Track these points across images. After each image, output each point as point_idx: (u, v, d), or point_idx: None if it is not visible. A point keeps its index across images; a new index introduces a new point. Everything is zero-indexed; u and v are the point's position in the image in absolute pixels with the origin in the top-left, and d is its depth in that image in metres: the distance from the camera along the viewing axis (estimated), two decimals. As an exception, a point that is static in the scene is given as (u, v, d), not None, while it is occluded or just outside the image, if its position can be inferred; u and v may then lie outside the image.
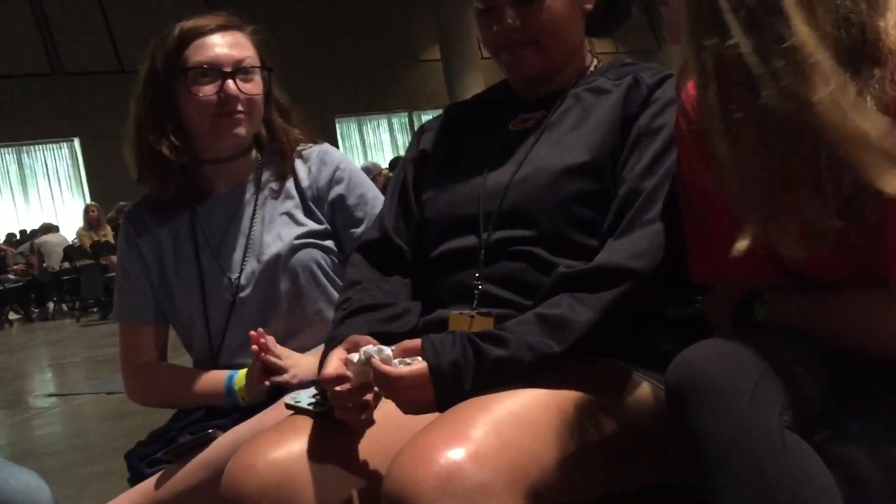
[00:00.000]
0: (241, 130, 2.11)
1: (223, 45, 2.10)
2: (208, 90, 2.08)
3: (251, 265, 2.13)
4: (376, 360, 1.52)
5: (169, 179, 2.13)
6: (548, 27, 1.78)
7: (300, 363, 2.01)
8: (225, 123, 2.09)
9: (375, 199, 2.19)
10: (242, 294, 2.12)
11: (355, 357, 1.55)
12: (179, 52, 2.09)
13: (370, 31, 25.25)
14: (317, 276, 2.13)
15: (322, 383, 1.61)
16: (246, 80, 2.11)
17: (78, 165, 22.70)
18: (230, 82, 2.08)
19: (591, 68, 1.88)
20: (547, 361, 1.53)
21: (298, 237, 2.14)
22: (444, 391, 1.51)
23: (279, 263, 2.11)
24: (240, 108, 2.09)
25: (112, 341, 10.64)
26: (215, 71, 2.08)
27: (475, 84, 17.66)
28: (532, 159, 1.75)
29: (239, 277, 2.13)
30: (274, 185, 2.20)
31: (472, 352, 1.52)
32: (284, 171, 2.21)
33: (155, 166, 2.12)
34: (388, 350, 1.54)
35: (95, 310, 15.45)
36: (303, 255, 2.12)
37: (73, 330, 13.80)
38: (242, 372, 2.07)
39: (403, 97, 26.39)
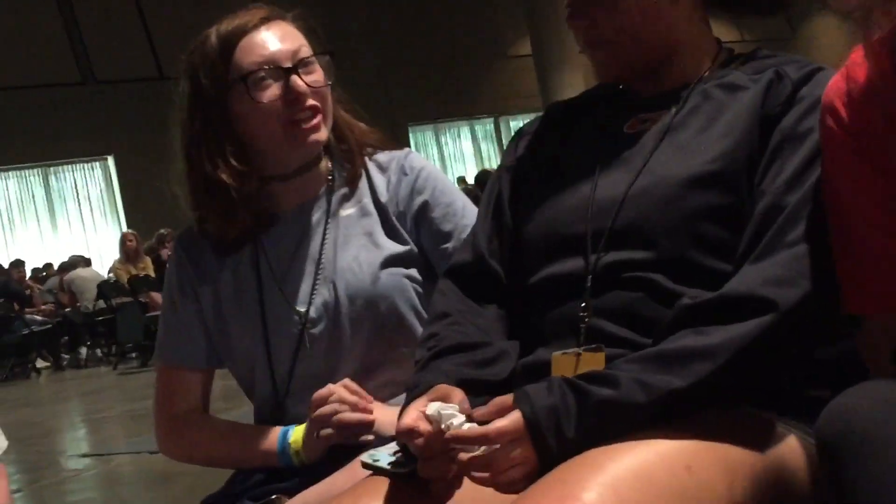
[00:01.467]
0: (320, 136, 2.13)
1: (273, 39, 2.11)
2: (273, 93, 2.09)
3: (322, 295, 2.14)
4: (455, 431, 1.52)
5: (232, 215, 2.13)
6: (621, 24, 1.79)
7: (381, 417, 2.02)
8: (301, 132, 2.10)
9: (465, 208, 2.20)
10: (313, 329, 2.13)
11: (430, 409, 1.56)
12: (226, 59, 2.10)
13: (448, 24, 25.39)
14: (401, 312, 2.14)
15: (398, 436, 1.61)
16: (308, 73, 2.12)
17: (112, 188, 23.14)
18: (294, 78, 2.09)
19: (722, 60, 1.86)
20: (668, 403, 1.51)
21: (381, 263, 2.14)
22: (544, 443, 1.50)
23: (357, 294, 2.12)
24: (310, 103, 2.10)
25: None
26: (274, 70, 2.09)
27: (573, 83, 17.61)
28: (652, 168, 1.74)
29: (308, 310, 2.14)
30: (345, 191, 2.22)
31: (572, 395, 1.52)
32: (354, 174, 2.23)
33: (215, 201, 2.12)
34: (459, 417, 1.54)
35: (134, 355, 15.69)
36: (385, 284, 2.13)
37: (110, 379, 14.05)
38: (300, 428, 2.08)
39: (488, 100, 26.48)
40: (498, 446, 1.50)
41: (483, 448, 1.50)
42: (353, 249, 2.16)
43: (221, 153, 2.11)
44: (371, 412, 2.02)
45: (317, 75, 2.14)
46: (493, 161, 26.47)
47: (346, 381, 2.05)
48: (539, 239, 1.82)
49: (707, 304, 1.57)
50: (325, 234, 2.19)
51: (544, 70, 18.92)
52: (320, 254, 2.17)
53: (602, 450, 1.48)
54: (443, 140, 27.23)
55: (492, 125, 27.60)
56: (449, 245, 2.16)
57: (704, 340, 1.53)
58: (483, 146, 27.59)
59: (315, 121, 2.11)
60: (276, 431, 2.10)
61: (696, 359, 1.52)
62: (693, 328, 1.55)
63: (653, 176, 1.72)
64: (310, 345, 2.13)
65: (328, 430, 2.01)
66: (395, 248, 2.17)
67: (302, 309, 2.14)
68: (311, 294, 2.15)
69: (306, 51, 2.14)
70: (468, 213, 2.18)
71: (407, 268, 2.17)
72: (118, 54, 22.04)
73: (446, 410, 1.55)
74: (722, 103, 1.76)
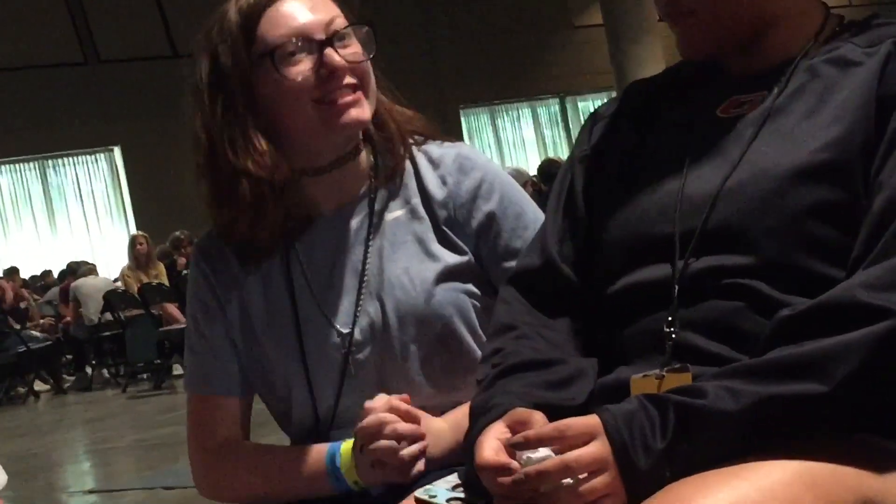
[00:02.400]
0: (360, 113, 2.10)
1: (302, 9, 2.10)
2: (304, 69, 2.08)
3: (368, 315, 2.13)
4: (536, 467, 1.54)
5: (262, 211, 2.10)
6: None
7: (430, 430, 2.02)
8: (337, 110, 2.08)
9: (536, 220, 2.17)
10: (359, 354, 2.12)
11: (525, 457, 1.56)
12: (249, 33, 2.09)
13: (505, -11, 25.34)
14: (460, 334, 2.13)
15: (479, 472, 1.61)
16: (344, 46, 2.11)
17: (119, 183, 23.31)
18: (329, 51, 2.08)
19: (830, 30, 1.85)
20: (763, 414, 1.51)
21: (435, 277, 2.13)
22: (628, 458, 1.51)
23: (409, 313, 2.11)
24: (348, 80, 2.09)
25: (170, 419, 10.86)
26: (306, 43, 2.08)
27: (651, 57, 17.57)
28: (751, 158, 1.73)
29: (352, 332, 2.13)
30: (390, 189, 2.20)
31: (651, 404, 1.54)
32: (397, 167, 2.21)
33: (242, 196, 2.09)
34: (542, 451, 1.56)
35: (146, 376, 15.74)
36: (441, 302, 2.12)
37: (118, 404, 14.13)
38: (347, 445, 2.06)
39: (553, 78, 26.43)
40: (581, 476, 1.52)
41: (566, 480, 1.52)
42: (403, 260, 2.16)
43: (246, 139, 2.10)
44: (424, 437, 2.01)
45: (354, 48, 2.12)
46: (558, 149, 26.45)
47: (394, 402, 2.02)
48: (619, 241, 1.83)
49: (804, 315, 1.57)
50: (368, 240, 2.18)
51: (618, 42, 18.86)
52: (364, 265, 2.16)
53: (692, 483, 1.48)
54: (500, 125, 27.22)
55: (557, 107, 27.56)
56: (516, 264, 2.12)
57: (804, 351, 1.53)
58: (547, 132, 27.55)
59: (354, 96, 2.10)
60: (322, 452, 2.09)
61: (795, 369, 1.52)
62: (793, 343, 1.55)
63: (752, 168, 1.71)
64: (356, 371, 2.13)
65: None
66: (450, 258, 2.16)
67: (345, 330, 2.14)
68: (355, 313, 2.14)
69: (341, 22, 2.12)
70: (539, 225, 2.11)
71: (464, 282, 2.16)
72: (126, 29, 22.14)
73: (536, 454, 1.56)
74: (831, 82, 1.75)
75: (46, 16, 21.74)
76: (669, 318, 1.71)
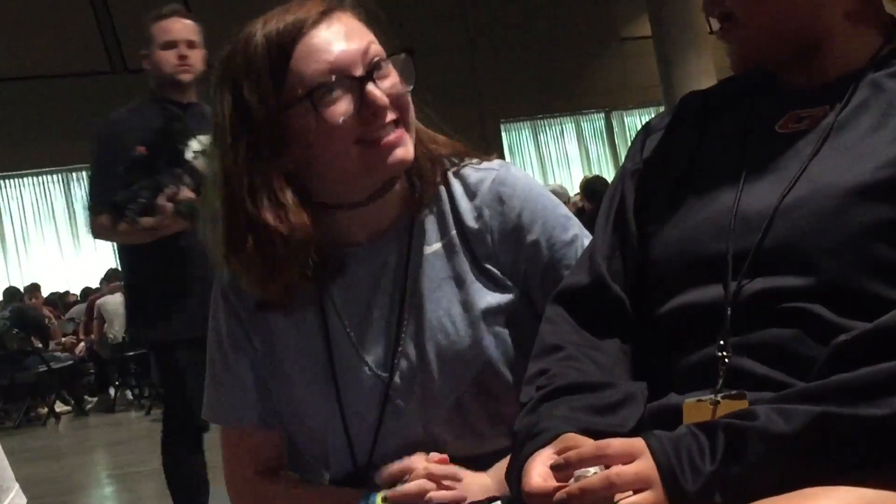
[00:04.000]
0: (406, 153, 2.04)
1: (337, 38, 2.03)
2: (345, 109, 2.00)
3: (408, 359, 2.10)
4: (581, 485, 1.54)
5: (273, 270, 2.04)
6: (751, 8, 1.80)
7: (471, 486, 2.00)
8: (381, 152, 2.02)
9: (584, 246, 2.09)
10: (398, 400, 2.10)
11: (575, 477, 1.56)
12: (280, 70, 2.00)
13: (549, 0, 25.35)
14: (507, 380, 2.10)
15: (526, 500, 1.61)
16: (383, 77, 2.04)
17: (146, 196, 23.28)
18: (371, 87, 2.01)
19: (896, 43, 1.85)
20: (816, 436, 1.51)
21: (480, 319, 2.10)
22: (675, 480, 1.51)
23: (452, 359, 2.09)
24: (391, 117, 2.02)
25: (195, 442, 10.87)
26: (344, 80, 2.01)
27: (701, 71, 17.52)
28: (810, 175, 1.73)
29: (391, 376, 2.10)
30: (426, 220, 2.16)
31: (699, 430, 1.54)
32: (430, 193, 2.15)
33: (254, 247, 2.02)
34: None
35: (171, 398, 15.71)
36: (487, 347, 2.09)
37: (142, 427, 14.12)
38: (381, 497, 2.04)
39: (598, 91, 26.36)
40: (625, 493, 1.52)
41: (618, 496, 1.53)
42: (444, 301, 2.12)
43: (269, 189, 2.02)
44: (465, 500, 1.99)
45: (392, 78, 2.06)
46: (603, 166, 26.38)
47: (433, 468, 2.00)
48: (670, 260, 1.83)
49: (862, 339, 1.57)
50: (406, 278, 2.13)
51: (667, 55, 18.78)
52: (402, 304, 2.13)
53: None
54: (542, 140, 27.12)
55: (602, 122, 27.46)
56: None
57: (861, 375, 1.52)
58: (592, 148, 27.43)
59: (396, 133, 2.03)
60: (355, 499, 2.08)
61: (851, 394, 1.52)
62: (850, 369, 1.54)
63: (811, 185, 1.71)
64: (395, 417, 2.10)
65: None
66: (493, 298, 2.12)
67: (383, 374, 2.11)
68: (394, 356, 2.11)
69: (376, 48, 2.06)
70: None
71: (509, 322, 2.12)
72: (154, 38, 22.19)
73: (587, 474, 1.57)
74: None
75: (72, 24, 21.81)
76: (722, 343, 1.71)
